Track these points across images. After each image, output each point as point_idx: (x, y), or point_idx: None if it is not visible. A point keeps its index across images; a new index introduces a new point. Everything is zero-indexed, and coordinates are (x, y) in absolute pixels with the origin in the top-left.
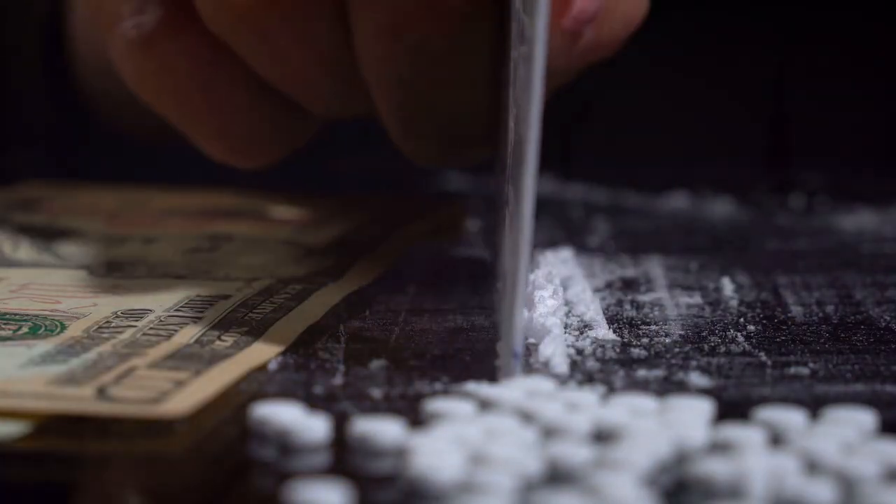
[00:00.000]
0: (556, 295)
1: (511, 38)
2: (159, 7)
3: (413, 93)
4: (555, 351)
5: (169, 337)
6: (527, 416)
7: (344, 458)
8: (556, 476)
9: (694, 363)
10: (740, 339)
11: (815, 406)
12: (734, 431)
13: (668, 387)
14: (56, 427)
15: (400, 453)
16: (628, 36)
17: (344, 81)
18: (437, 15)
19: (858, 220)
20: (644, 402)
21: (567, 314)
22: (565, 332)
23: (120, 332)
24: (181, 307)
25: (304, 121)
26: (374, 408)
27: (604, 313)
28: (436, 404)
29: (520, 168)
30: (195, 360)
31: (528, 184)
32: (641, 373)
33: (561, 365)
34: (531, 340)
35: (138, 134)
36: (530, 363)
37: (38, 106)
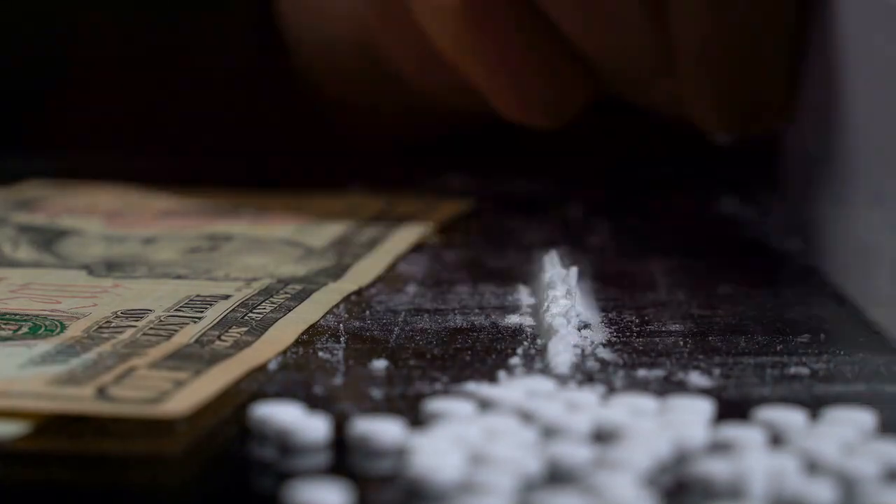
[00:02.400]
0: (570, 295)
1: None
2: None
3: (723, 54)
4: (562, 351)
5: (169, 337)
6: (527, 416)
7: (344, 458)
8: (556, 476)
9: (694, 363)
10: (740, 338)
11: (815, 406)
12: (734, 431)
13: (668, 387)
14: (56, 427)
15: (400, 453)
16: None
17: (651, 43)
18: None
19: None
20: (644, 402)
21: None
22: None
23: (120, 332)
24: (181, 307)
25: (601, 80)
26: (374, 408)
27: (604, 313)
28: (436, 404)
29: None
30: (195, 360)
31: None
32: (641, 373)
33: (562, 365)
34: (539, 340)
35: (368, 111)
36: (532, 363)
37: (247, 52)
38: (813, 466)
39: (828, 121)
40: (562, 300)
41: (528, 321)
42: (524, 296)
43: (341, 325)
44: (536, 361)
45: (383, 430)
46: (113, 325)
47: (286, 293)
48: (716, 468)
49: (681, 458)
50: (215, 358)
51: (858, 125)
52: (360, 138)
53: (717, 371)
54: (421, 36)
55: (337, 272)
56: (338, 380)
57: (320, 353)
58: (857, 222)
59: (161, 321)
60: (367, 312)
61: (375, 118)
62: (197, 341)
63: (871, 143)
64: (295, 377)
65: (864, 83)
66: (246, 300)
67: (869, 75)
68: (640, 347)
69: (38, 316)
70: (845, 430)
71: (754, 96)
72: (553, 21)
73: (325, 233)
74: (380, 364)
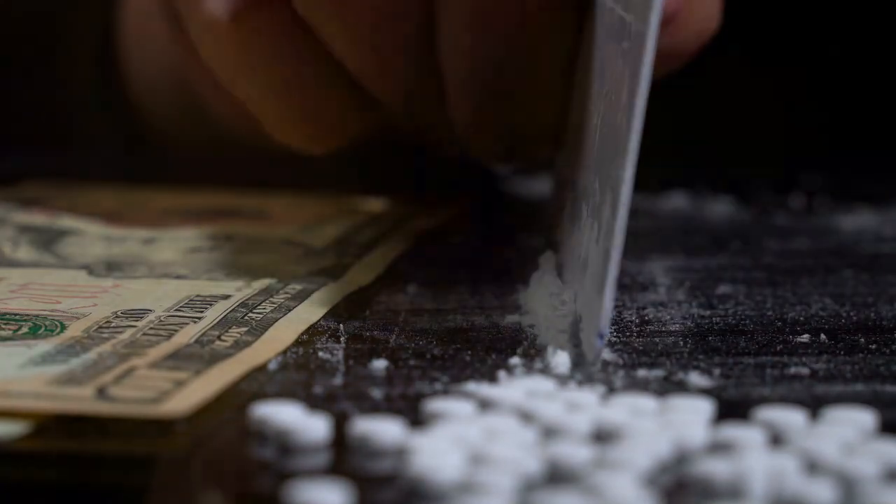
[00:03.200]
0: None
1: (594, 35)
2: None
3: (490, 87)
4: (563, 351)
5: (169, 337)
6: (527, 416)
7: (344, 458)
8: (556, 476)
9: (694, 363)
10: (740, 338)
11: (815, 406)
12: (734, 431)
13: (668, 387)
14: (56, 427)
15: (400, 453)
16: (697, 50)
17: (418, 72)
18: (523, 9)
19: (858, 220)
20: (644, 402)
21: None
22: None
23: (120, 332)
24: (181, 307)
25: (375, 110)
26: (374, 408)
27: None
28: (436, 404)
29: (619, 157)
30: (195, 360)
31: (629, 171)
32: (641, 373)
33: (562, 365)
34: (539, 340)
35: (185, 144)
36: (532, 363)
37: (90, 114)
38: (813, 466)
39: (576, 143)
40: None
41: (528, 321)
42: (524, 296)
43: (341, 325)
44: (536, 361)
45: (383, 430)
46: (113, 325)
47: (286, 293)
48: (716, 468)
49: (681, 458)
50: (215, 358)
51: (590, 145)
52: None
53: (717, 371)
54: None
55: (337, 272)
56: (338, 380)
57: (320, 353)
58: (580, 239)
59: (161, 321)
60: (367, 312)
61: (195, 151)
62: (197, 341)
63: (596, 163)
64: (295, 377)
65: (596, 101)
66: (246, 300)
67: (600, 93)
68: (640, 347)
69: (38, 316)
70: (845, 430)
71: (526, 128)
72: (326, 45)
73: (325, 233)
74: (380, 364)
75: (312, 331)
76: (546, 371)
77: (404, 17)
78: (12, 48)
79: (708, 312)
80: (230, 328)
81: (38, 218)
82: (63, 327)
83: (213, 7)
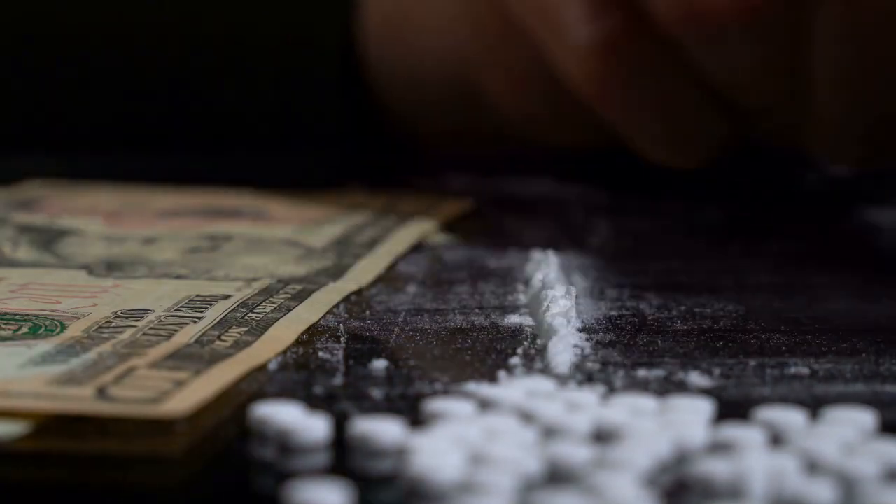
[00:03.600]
0: (569, 295)
1: None
2: (616, 12)
3: (860, 94)
4: (562, 351)
5: (169, 337)
6: (527, 416)
7: (344, 458)
8: (556, 476)
9: (694, 363)
10: (740, 338)
11: (815, 406)
12: (734, 431)
13: (668, 387)
14: (56, 427)
15: (400, 453)
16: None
17: (785, 82)
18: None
19: (859, 220)
20: (644, 402)
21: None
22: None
23: (120, 332)
24: (181, 307)
25: (740, 121)
26: (374, 408)
27: (604, 313)
28: (436, 404)
29: None
30: (195, 360)
31: None
32: (641, 373)
33: (562, 365)
34: (539, 341)
35: (431, 142)
36: (532, 363)
37: (334, 113)
38: (813, 466)
39: None
40: (561, 300)
41: (528, 321)
42: (524, 296)
43: (341, 325)
44: (536, 361)
45: (383, 430)
46: (113, 325)
47: (286, 293)
48: (716, 468)
49: (681, 458)
50: (215, 358)
51: None
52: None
53: (717, 371)
54: (525, 71)
55: (337, 272)
56: (338, 380)
57: (320, 353)
58: None
59: (161, 321)
60: (367, 312)
61: (459, 147)
62: (197, 341)
63: None
64: (295, 377)
65: None
66: (246, 300)
67: None
68: (641, 347)
69: (38, 316)
70: (845, 430)
71: (888, 128)
72: (687, 57)
73: (325, 233)
74: (380, 364)
75: (312, 331)
76: (546, 371)
77: (772, 30)
78: (259, 55)
79: (708, 312)
80: (230, 328)
81: (38, 218)
82: (63, 327)
83: (583, 37)
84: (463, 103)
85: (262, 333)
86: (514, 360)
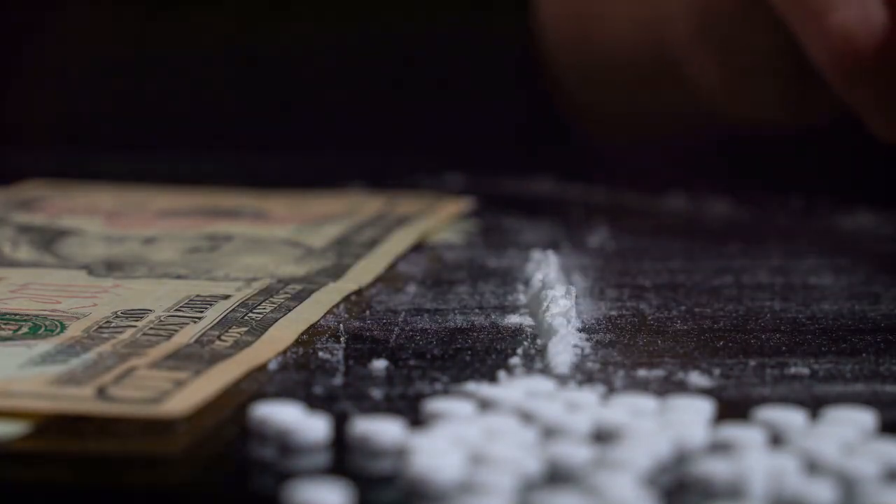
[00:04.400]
0: (569, 295)
1: None
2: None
3: None
4: (562, 351)
5: (169, 337)
6: (527, 416)
7: (344, 458)
8: (556, 476)
9: (694, 363)
10: (740, 338)
11: (815, 406)
12: (734, 431)
13: (668, 387)
14: (56, 427)
15: (400, 453)
16: None
17: None
18: None
19: (858, 220)
20: (644, 402)
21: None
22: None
23: (120, 332)
24: (181, 307)
25: None
26: (374, 408)
27: (604, 313)
28: (436, 404)
29: None
30: (195, 360)
31: None
32: (641, 373)
33: (562, 365)
34: (539, 341)
35: (611, 129)
36: (532, 363)
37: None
38: (813, 466)
39: None
40: (561, 300)
41: (528, 321)
42: (524, 296)
43: (341, 325)
44: (536, 361)
45: (383, 430)
46: (113, 325)
47: (286, 293)
48: (716, 468)
49: (681, 458)
50: (215, 358)
51: None
52: (608, 145)
53: (717, 371)
54: (737, 49)
55: (337, 272)
56: (338, 380)
57: (320, 353)
58: None
59: (161, 321)
60: (367, 312)
61: (635, 125)
62: (197, 341)
63: None
64: (295, 377)
65: None
66: (246, 300)
67: None
68: (641, 347)
69: (38, 316)
70: (845, 430)
71: None
72: None
73: (325, 233)
74: (380, 364)
75: (312, 331)
76: (546, 371)
77: None
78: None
79: (708, 312)
80: (230, 328)
81: (38, 218)
82: (63, 327)
83: (850, 26)
84: (647, 79)
85: (262, 333)
86: (514, 360)
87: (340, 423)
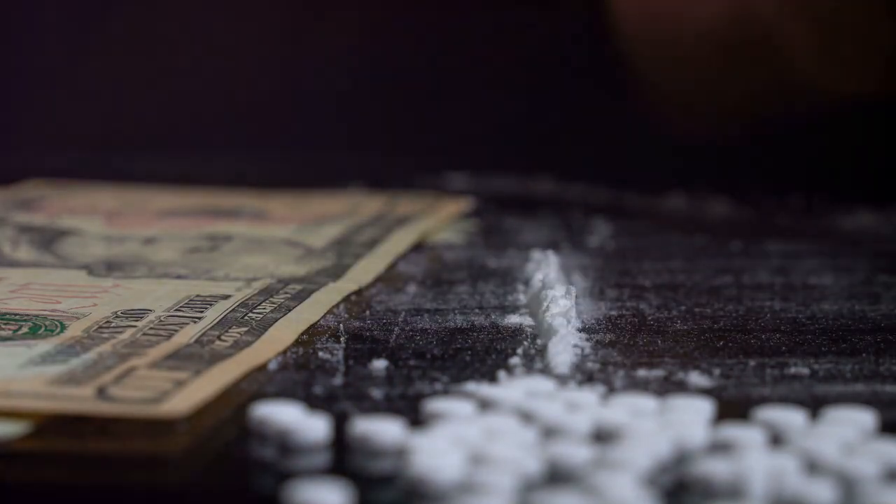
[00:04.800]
0: (569, 295)
1: None
2: None
3: None
4: (562, 351)
5: (169, 337)
6: (527, 416)
7: (344, 458)
8: (556, 476)
9: (694, 363)
10: (740, 338)
11: (815, 406)
12: (734, 431)
13: (668, 387)
14: (56, 427)
15: (400, 453)
16: None
17: None
18: None
19: (858, 221)
20: (644, 402)
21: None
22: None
23: (120, 332)
24: (181, 307)
25: None
26: (374, 408)
27: (604, 313)
28: (436, 404)
29: None
30: (195, 360)
31: None
32: (641, 373)
33: (562, 365)
34: (539, 341)
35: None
36: (532, 363)
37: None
38: (813, 466)
39: None
40: (561, 300)
41: (528, 321)
42: (524, 296)
43: (341, 325)
44: (536, 361)
45: (383, 430)
46: (113, 325)
47: (286, 293)
48: (716, 468)
49: (681, 458)
50: (215, 358)
51: None
52: (683, 126)
53: (717, 371)
54: (830, 15)
55: (337, 272)
56: (338, 380)
57: (320, 353)
58: None
59: (161, 321)
60: (367, 312)
61: (717, 103)
62: (197, 341)
63: None
64: (295, 377)
65: None
66: (246, 300)
67: None
68: (641, 347)
69: (38, 316)
70: (845, 430)
71: None
72: None
73: (325, 233)
74: (380, 364)
75: (312, 331)
76: (546, 371)
77: None
78: None
79: (708, 312)
80: (230, 328)
81: (38, 218)
82: (63, 327)
83: None
84: (740, 55)
85: (262, 333)
86: (514, 360)
87: (340, 423)
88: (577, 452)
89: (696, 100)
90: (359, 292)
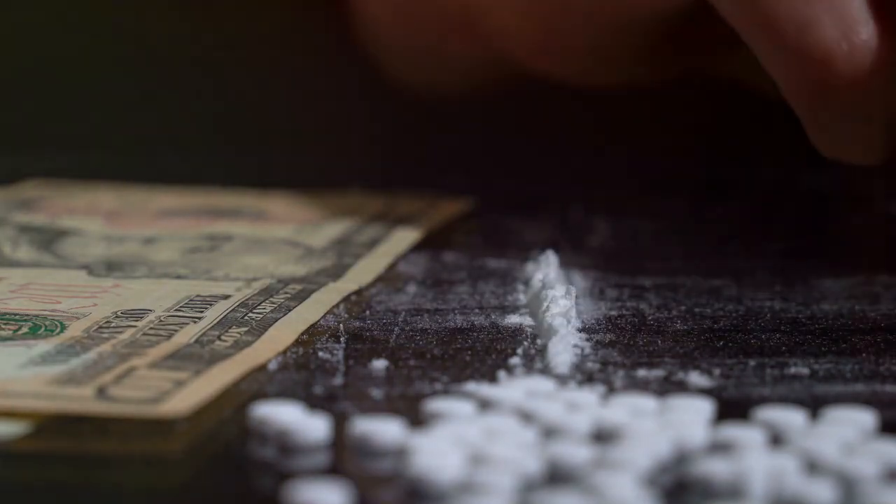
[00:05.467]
0: (569, 295)
1: None
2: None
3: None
4: (562, 351)
5: (169, 337)
6: (527, 416)
7: (344, 458)
8: (556, 476)
9: (694, 363)
10: (740, 338)
11: (815, 406)
12: (734, 431)
13: (668, 387)
14: (56, 427)
15: (400, 453)
16: None
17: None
18: None
19: (858, 221)
20: (644, 402)
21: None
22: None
23: (120, 332)
24: (181, 307)
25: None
26: (374, 408)
27: (604, 313)
28: (436, 404)
29: None
30: (195, 360)
31: None
32: (641, 373)
33: (562, 365)
34: (539, 341)
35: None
36: (532, 363)
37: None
38: (813, 466)
39: None
40: (561, 300)
41: (528, 321)
42: (524, 296)
43: (341, 325)
44: (536, 361)
45: (383, 430)
46: (113, 325)
47: (286, 293)
48: (716, 468)
49: (681, 458)
50: (215, 358)
51: None
52: (404, 82)
53: (717, 371)
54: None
55: (337, 272)
56: (338, 380)
57: (320, 353)
58: None
59: (161, 321)
60: (367, 312)
61: (437, 66)
62: (197, 341)
63: None
64: (295, 377)
65: None
66: (246, 300)
67: None
68: (641, 347)
69: (38, 316)
70: (845, 430)
71: None
72: None
73: (325, 233)
74: (380, 364)
75: (312, 331)
76: (546, 371)
77: None
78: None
79: (708, 312)
80: (230, 328)
81: (38, 218)
82: (63, 327)
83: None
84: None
85: (262, 333)
86: (514, 360)
87: (340, 423)
88: (577, 452)
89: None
90: (359, 292)
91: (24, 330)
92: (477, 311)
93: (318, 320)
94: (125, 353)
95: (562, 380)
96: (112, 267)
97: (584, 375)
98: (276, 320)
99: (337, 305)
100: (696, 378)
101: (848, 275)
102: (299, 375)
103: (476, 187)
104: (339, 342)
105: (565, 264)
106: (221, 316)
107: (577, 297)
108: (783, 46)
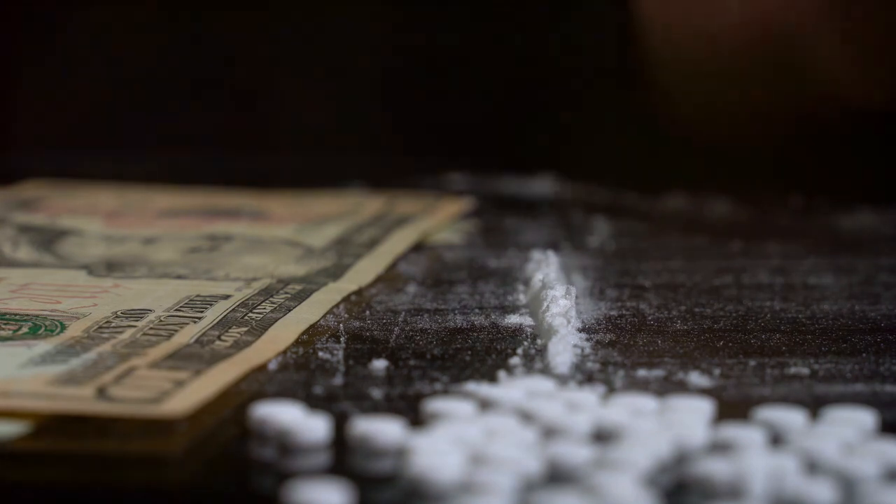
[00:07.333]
0: (569, 295)
1: None
2: None
3: None
4: (562, 351)
5: (169, 337)
6: (527, 416)
7: (344, 458)
8: (556, 476)
9: (694, 363)
10: (740, 338)
11: (815, 406)
12: (734, 431)
13: (668, 387)
14: (56, 427)
15: (400, 453)
16: None
17: None
18: None
19: (858, 221)
20: (644, 402)
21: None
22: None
23: (120, 332)
24: (181, 307)
25: None
26: (374, 408)
27: (604, 313)
28: (436, 404)
29: None
30: (195, 360)
31: None
32: (641, 373)
33: (562, 365)
34: (539, 341)
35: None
36: (532, 363)
37: None
38: (813, 466)
39: None
40: (561, 300)
41: (528, 321)
42: (524, 296)
43: (341, 325)
44: (536, 361)
45: (383, 430)
46: (113, 325)
47: (286, 293)
48: (716, 468)
49: (681, 458)
50: (215, 358)
51: None
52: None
53: (717, 371)
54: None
55: (337, 272)
56: (338, 380)
57: (320, 353)
58: None
59: (161, 321)
60: (367, 312)
61: (736, 108)
62: (197, 341)
63: None
64: (295, 377)
65: None
66: (246, 300)
67: None
68: (641, 347)
69: (38, 316)
70: (845, 430)
71: None
72: None
73: (325, 233)
74: (380, 364)
75: (312, 331)
76: (546, 371)
77: None
78: None
79: (708, 312)
80: (230, 328)
81: (38, 218)
82: (63, 327)
83: None
84: (771, 69)
85: (262, 333)
86: (514, 360)
87: (340, 423)
88: (577, 452)
89: (716, 106)
90: (359, 292)
91: (24, 330)
92: (477, 311)
93: (318, 320)
94: (125, 353)
95: (562, 380)
96: (112, 267)
97: (584, 375)
98: (276, 320)
99: (337, 305)
100: (696, 378)
101: (848, 275)
102: (299, 375)
103: (476, 187)
104: (339, 342)
105: (565, 264)
106: (221, 316)
107: (577, 297)
108: None
